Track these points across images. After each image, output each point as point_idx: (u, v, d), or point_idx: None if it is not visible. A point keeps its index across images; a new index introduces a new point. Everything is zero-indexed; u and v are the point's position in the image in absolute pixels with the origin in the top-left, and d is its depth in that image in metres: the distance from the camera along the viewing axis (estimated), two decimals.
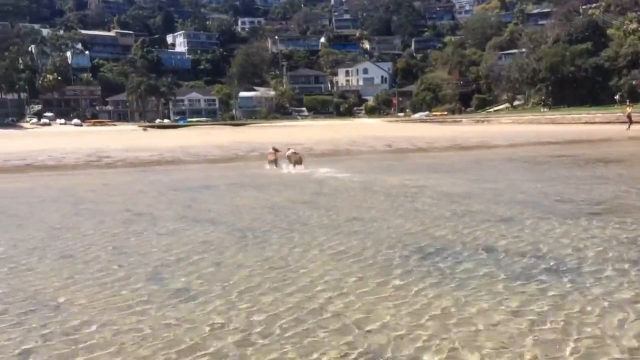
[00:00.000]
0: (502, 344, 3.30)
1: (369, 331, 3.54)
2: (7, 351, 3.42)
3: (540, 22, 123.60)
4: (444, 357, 3.18)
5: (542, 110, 76.04)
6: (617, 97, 69.64)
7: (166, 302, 4.19)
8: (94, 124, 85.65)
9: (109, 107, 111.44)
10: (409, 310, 3.89)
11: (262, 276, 4.80)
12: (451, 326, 3.60)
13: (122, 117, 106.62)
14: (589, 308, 3.84)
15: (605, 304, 3.92)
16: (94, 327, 3.73)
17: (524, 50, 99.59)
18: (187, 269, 5.10)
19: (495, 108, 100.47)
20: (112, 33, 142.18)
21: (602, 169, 14.20)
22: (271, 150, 16.09)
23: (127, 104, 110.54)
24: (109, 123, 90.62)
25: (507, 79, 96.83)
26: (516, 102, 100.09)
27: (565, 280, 4.45)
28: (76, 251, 5.93)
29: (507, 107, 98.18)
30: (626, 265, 4.83)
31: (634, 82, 77.29)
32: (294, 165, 15.07)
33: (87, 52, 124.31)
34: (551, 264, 4.94)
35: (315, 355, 3.24)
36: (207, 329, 3.67)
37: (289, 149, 15.94)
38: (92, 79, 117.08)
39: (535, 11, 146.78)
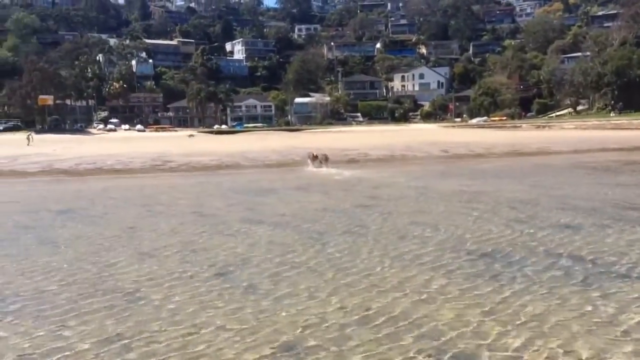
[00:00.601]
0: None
1: None
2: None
3: (605, 25, 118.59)
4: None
5: (611, 114, 72.88)
6: None
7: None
8: (156, 130, 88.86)
9: (170, 114, 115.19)
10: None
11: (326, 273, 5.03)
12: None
13: (182, 122, 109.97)
14: None
15: None
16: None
17: (588, 53, 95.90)
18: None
19: (557, 113, 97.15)
20: (174, 42, 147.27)
21: None
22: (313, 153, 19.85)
23: (187, 110, 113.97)
24: (170, 129, 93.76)
25: (570, 83, 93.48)
26: (579, 107, 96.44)
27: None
28: (151, 248, 6.35)
29: (569, 112, 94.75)
30: None
31: None
32: (322, 163, 18.59)
33: (150, 60, 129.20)
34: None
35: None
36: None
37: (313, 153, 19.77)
38: (154, 86, 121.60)
39: (600, 13, 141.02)
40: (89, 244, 6.70)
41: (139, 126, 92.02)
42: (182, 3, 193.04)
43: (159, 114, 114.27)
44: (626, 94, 78.60)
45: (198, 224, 7.92)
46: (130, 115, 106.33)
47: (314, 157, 19.36)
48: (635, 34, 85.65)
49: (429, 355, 3.33)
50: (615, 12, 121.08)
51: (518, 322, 3.81)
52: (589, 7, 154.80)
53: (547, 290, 4.46)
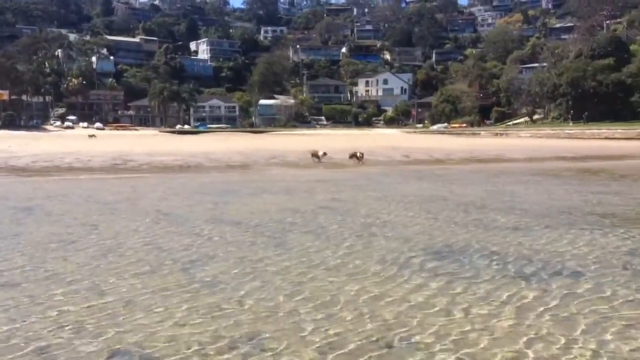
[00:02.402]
0: None
1: None
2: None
3: (562, 37, 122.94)
4: None
5: (570, 124, 75.32)
6: None
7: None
8: (115, 128, 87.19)
9: (131, 112, 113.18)
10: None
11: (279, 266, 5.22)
12: None
13: (143, 122, 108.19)
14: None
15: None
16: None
17: (545, 64, 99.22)
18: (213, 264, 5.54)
19: (515, 121, 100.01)
20: (136, 39, 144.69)
21: (614, 184, 14.38)
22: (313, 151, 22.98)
23: (149, 109, 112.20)
24: (131, 127, 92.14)
25: (527, 93, 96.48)
26: (535, 116, 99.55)
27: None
28: (111, 247, 6.41)
29: (526, 121, 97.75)
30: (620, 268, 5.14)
31: None
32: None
33: (111, 57, 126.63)
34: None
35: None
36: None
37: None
38: (115, 84, 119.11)
39: (557, 25, 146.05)
40: (49, 242, 6.70)
41: (98, 124, 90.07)
42: (146, 0, 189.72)
43: (120, 112, 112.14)
44: (580, 105, 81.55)
45: (160, 223, 7.99)
46: (89, 113, 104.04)
47: (315, 154, 22.56)
48: (590, 47, 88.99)
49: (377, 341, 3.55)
50: (572, 24, 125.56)
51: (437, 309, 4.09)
52: (547, 19, 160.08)
53: (487, 285, 4.76)
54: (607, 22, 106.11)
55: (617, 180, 15.93)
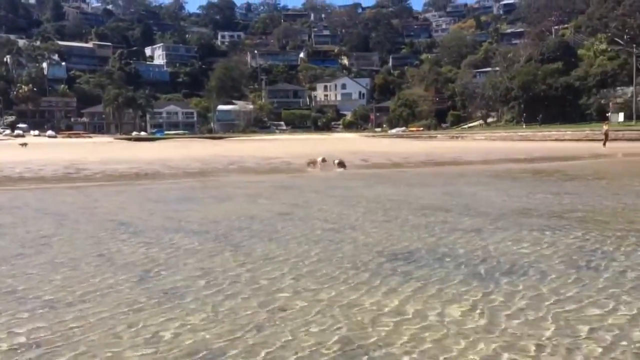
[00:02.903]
0: None
1: None
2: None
3: (513, 42, 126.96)
4: None
5: (523, 127, 77.68)
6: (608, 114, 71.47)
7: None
8: (69, 136, 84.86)
9: (85, 119, 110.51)
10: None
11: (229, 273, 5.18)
12: None
13: (98, 129, 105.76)
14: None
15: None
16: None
17: (497, 68, 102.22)
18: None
19: (470, 124, 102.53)
20: (89, 44, 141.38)
21: (566, 185, 14.90)
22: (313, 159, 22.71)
23: (104, 116, 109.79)
24: (85, 135, 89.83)
25: (481, 97, 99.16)
26: (490, 119, 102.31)
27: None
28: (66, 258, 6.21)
29: (480, 124, 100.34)
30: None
31: (602, 102, 79.76)
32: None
33: (63, 63, 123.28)
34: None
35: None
36: None
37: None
38: (68, 90, 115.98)
39: (509, 31, 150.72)
40: None
41: (50, 132, 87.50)
42: (99, 4, 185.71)
43: (73, 120, 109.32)
44: (531, 108, 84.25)
45: (116, 233, 7.80)
46: (40, 121, 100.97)
47: (314, 162, 22.35)
48: (539, 51, 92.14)
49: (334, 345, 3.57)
50: (522, 30, 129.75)
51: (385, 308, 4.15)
52: (499, 25, 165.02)
53: (439, 285, 4.85)
54: (556, 27, 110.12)
55: (569, 180, 16.50)
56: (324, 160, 22.31)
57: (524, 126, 78.24)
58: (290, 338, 3.77)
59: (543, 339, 3.67)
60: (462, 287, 4.85)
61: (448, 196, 12.01)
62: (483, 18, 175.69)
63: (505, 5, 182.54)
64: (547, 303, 4.40)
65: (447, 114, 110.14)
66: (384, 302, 4.49)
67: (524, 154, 31.17)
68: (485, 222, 8.21)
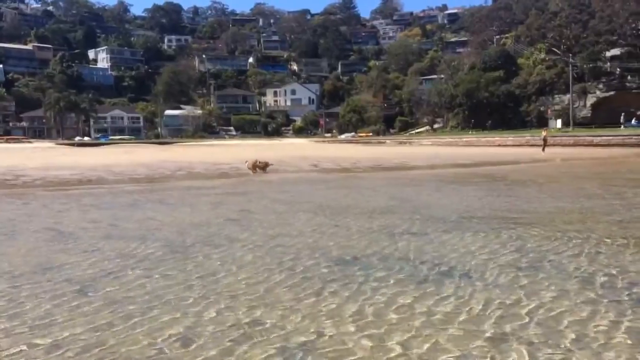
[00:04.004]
0: None
1: None
2: None
3: (457, 50, 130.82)
4: None
5: (470, 132, 79.88)
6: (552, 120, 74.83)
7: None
8: (6, 141, 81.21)
9: (24, 124, 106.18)
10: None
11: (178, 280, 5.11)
12: None
13: (38, 134, 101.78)
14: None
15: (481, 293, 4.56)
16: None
17: (442, 76, 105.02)
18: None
19: (417, 130, 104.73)
20: (28, 46, 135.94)
21: (508, 188, 15.47)
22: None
23: (44, 120, 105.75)
24: (24, 140, 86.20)
25: (428, 103, 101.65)
26: (436, 125, 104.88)
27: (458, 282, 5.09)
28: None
29: (427, 130, 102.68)
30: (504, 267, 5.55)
31: (541, 109, 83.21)
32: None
33: (0, 65, 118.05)
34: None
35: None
36: None
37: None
38: (5, 93, 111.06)
39: (453, 39, 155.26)
40: None
41: None
42: (38, 5, 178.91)
43: (11, 124, 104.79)
44: (475, 114, 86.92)
45: (54, 243, 7.53)
46: None
47: (254, 165, 22.08)
48: (482, 60, 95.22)
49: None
50: (465, 39, 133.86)
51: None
52: (443, 34, 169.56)
53: (375, 288, 4.94)
54: (497, 37, 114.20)
55: (511, 184, 17.13)
56: (267, 164, 22.52)
57: (472, 132, 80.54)
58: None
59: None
60: (397, 289, 4.97)
61: (394, 200, 12.24)
62: (428, 27, 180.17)
63: (449, 14, 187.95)
64: (480, 304, 4.55)
65: (395, 119, 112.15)
66: (322, 303, 4.54)
67: (468, 159, 32.12)
68: (429, 225, 8.42)
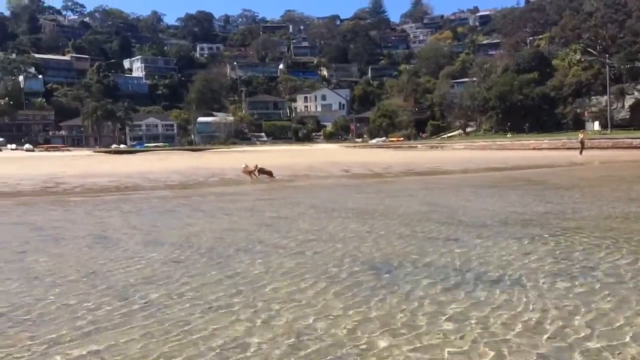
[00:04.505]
0: None
1: None
2: None
3: (490, 52, 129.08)
4: None
5: (508, 135, 78.54)
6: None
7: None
8: (46, 149, 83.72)
9: (63, 132, 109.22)
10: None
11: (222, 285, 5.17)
12: None
13: (76, 142, 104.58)
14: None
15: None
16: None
17: (475, 79, 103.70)
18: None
19: (449, 134, 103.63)
20: (67, 57, 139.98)
21: (547, 193, 15.15)
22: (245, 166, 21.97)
23: (82, 129, 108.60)
24: (63, 148, 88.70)
25: (460, 107, 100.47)
26: (468, 129, 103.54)
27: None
28: (44, 273, 6.13)
29: (459, 134, 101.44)
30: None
31: (578, 111, 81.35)
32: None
33: (40, 76, 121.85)
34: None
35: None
36: None
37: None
38: (45, 103, 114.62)
39: (485, 42, 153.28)
40: None
41: (27, 145, 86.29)
42: (76, 17, 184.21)
43: (51, 133, 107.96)
44: (509, 117, 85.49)
45: (96, 248, 7.72)
46: (17, 134, 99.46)
47: (249, 170, 21.58)
48: (515, 62, 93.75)
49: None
50: (498, 41, 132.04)
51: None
52: (475, 36, 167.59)
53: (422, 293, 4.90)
54: (530, 38, 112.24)
55: (550, 188, 16.78)
56: (257, 168, 21.57)
57: (509, 135, 79.02)
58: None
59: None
60: (446, 297, 4.90)
61: (428, 205, 12.13)
62: (459, 29, 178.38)
63: (481, 17, 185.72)
64: (521, 313, 4.47)
65: (427, 123, 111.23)
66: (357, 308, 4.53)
67: (503, 163, 31.62)
68: (469, 231, 8.32)
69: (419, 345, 3.80)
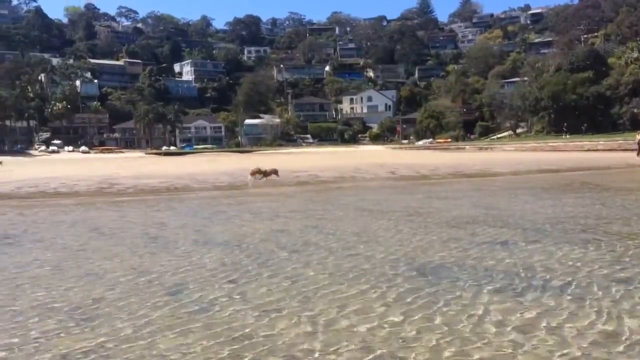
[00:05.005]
0: None
1: None
2: None
3: (542, 51, 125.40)
4: None
5: (564, 137, 75.76)
6: None
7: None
8: (101, 151, 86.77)
9: (117, 135, 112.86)
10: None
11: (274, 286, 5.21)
12: None
13: (129, 144, 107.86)
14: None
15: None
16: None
17: (526, 78, 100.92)
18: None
19: (499, 135, 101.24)
20: (120, 62, 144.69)
21: (600, 196, 14.59)
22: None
23: (134, 131, 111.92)
24: (117, 150, 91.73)
25: (510, 107, 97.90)
26: (519, 130, 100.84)
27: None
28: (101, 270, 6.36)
29: (510, 135, 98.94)
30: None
31: (635, 110, 77.96)
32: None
33: (95, 80, 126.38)
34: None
35: None
36: None
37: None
38: (100, 107, 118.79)
39: (537, 40, 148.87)
40: (36, 268, 6.64)
41: (83, 148, 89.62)
42: (129, 23, 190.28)
43: (105, 135, 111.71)
44: (562, 118, 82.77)
45: (148, 246, 7.95)
46: (74, 137, 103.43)
47: (260, 172, 21.97)
48: (569, 61, 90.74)
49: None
50: (550, 39, 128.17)
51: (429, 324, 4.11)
52: (526, 35, 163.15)
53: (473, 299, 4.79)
54: (585, 36, 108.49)
55: (605, 191, 16.15)
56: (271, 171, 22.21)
57: (566, 136, 76.18)
58: None
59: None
60: (512, 304, 4.75)
61: (479, 208, 11.88)
62: (510, 28, 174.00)
63: (532, 14, 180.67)
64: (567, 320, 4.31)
65: (475, 125, 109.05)
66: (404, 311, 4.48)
67: (556, 165, 30.61)
68: (521, 235, 8.10)
69: (495, 353, 3.70)
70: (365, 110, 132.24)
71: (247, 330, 4.24)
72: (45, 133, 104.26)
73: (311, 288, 5.40)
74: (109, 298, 5.24)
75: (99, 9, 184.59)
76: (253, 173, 22.27)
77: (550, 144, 62.75)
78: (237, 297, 5.18)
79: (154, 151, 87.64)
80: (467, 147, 77.48)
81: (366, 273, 5.97)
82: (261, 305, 4.88)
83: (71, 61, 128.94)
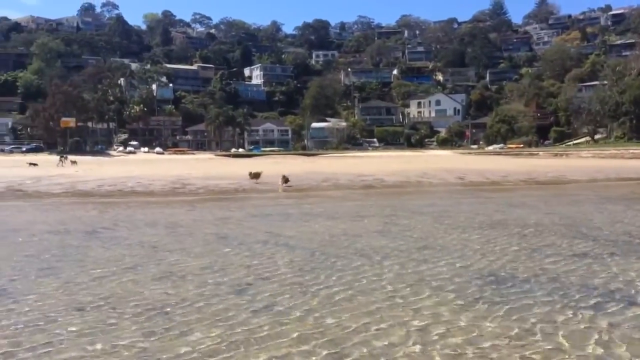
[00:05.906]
0: None
1: None
2: None
3: (623, 54, 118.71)
4: None
5: None
6: None
7: None
8: (174, 153, 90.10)
9: (189, 137, 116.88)
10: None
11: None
12: None
13: (200, 146, 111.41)
14: None
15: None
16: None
17: (605, 82, 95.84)
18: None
19: (575, 141, 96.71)
20: (194, 67, 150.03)
21: None
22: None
23: (206, 133, 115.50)
24: (188, 152, 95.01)
25: (588, 112, 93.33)
26: (598, 136, 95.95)
27: None
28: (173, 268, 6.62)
29: (587, 141, 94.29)
30: None
31: None
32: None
33: (170, 84, 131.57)
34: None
35: None
36: None
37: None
38: (174, 110, 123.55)
39: (618, 42, 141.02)
40: (115, 263, 6.99)
41: (158, 149, 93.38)
42: (203, 29, 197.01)
43: (178, 137, 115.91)
44: None
45: (220, 245, 8.18)
46: (149, 138, 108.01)
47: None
48: None
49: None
50: (633, 41, 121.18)
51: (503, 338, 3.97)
52: (607, 36, 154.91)
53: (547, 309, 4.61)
54: None
55: None
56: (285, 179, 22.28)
57: None
58: None
59: None
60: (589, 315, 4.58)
61: (553, 217, 11.41)
62: (589, 29, 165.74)
63: (613, 15, 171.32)
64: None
65: (550, 130, 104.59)
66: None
67: (636, 174, 28.89)
68: (602, 247, 7.70)
69: None
70: (433, 114, 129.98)
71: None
72: (123, 134, 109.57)
73: (380, 292, 5.38)
74: (178, 293, 5.42)
75: (175, 16, 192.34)
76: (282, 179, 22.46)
77: (632, 151, 59.21)
78: (311, 295, 5.23)
79: (223, 153, 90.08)
80: (540, 153, 74.52)
81: (436, 274, 5.87)
82: (338, 310, 4.91)
83: (148, 66, 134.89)
